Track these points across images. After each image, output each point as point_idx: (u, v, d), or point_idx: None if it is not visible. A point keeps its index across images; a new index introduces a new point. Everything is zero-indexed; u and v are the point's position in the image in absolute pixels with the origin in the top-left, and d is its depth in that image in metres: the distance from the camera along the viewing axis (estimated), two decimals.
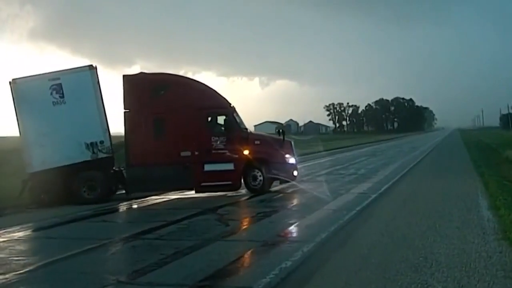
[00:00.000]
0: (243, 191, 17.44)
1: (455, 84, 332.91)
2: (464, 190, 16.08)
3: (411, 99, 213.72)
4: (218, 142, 16.95)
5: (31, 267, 8.31)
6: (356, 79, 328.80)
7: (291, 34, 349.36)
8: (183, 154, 16.81)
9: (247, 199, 16.63)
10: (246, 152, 17.09)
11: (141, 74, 18.13)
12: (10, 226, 12.53)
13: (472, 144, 52.55)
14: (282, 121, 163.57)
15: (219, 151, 16.91)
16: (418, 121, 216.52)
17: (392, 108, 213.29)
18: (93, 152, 16.60)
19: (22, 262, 8.71)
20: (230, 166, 16.90)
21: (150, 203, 16.60)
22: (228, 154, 16.91)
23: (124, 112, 16.97)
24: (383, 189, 17.29)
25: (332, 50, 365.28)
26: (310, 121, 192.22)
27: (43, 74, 17.19)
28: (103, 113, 16.79)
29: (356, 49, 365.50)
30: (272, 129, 62.93)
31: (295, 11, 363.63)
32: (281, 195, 17.33)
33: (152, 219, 13.17)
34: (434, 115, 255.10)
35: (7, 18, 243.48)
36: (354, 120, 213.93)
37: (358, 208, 13.27)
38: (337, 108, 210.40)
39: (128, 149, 17.01)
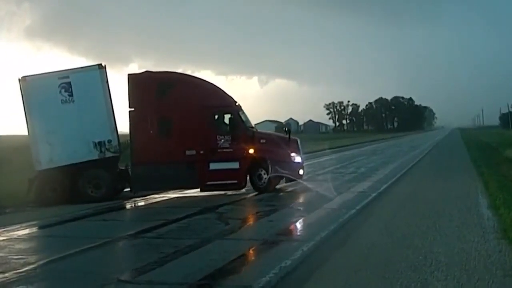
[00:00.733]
0: (243, 189, 17.43)
1: (455, 83, 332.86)
2: (463, 189, 16.09)
3: (411, 98, 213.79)
4: (224, 141, 16.91)
5: (31, 266, 8.30)
6: (355, 78, 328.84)
7: (291, 34, 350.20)
8: (188, 152, 16.80)
9: (247, 197, 16.63)
10: (251, 151, 17.05)
11: (146, 73, 17.96)
12: (11, 224, 12.53)
13: (472, 143, 52.54)
14: (282, 120, 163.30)
15: (225, 150, 16.87)
16: (418, 120, 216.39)
17: (393, 107, 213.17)
18: (101, 151, 16.60)
19: (22, 260, 8.69)
20: (235, 165, 16.86)
21: (150, 201, 16.61)
22: (233, 153, 16.86)
23: (129, 111, 16.96)
24: (383, 188, 17.30)
25: (332, 49, 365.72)
26: (310, 120, 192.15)
27: (52, 72, 17.23)
28: (111, 112, 16.79)
29: (356, 48, 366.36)
30: (272, 128, 63.13)
31: (295, 11, 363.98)
32: (281, 193, 17.34)
33: (152, 217, 13.17)
34: (434, 114, 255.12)
35: (4, 16, 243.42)
36: (354, 119, 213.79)
37: (358, 207, 13.27)
38: (337, 107, 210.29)
39: (133, 147, 17.02)
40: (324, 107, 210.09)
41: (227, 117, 17.48)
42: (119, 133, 17.02)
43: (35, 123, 16.61)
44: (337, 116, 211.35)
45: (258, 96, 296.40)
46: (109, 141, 16.68)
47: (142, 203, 16.43)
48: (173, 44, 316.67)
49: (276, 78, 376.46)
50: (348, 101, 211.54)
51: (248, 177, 17.26)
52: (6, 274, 7.79)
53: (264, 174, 17.12)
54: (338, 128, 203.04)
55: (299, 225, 11.90)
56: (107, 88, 16.85)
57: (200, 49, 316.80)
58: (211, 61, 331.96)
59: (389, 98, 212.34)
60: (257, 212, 14.11)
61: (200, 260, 8.40)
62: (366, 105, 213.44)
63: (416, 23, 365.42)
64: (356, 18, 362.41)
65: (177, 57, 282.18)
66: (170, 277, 7.50)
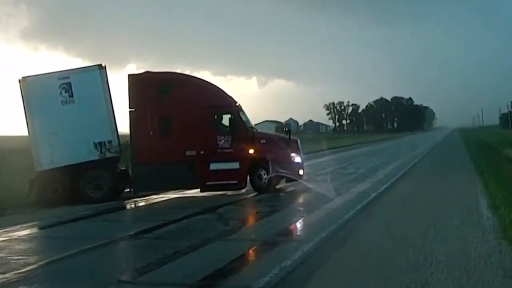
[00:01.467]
0: (243, 190, 17.43)
1: (455, 83, 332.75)
2: (463, 189, 16.09)
3: (410, 98, 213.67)
4: (224, 141, 16.91)
5: (31, 267, 8.31)
6: (355, 78, 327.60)
7: (290, 34, 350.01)
8: (188, 153, 16.80)
9: (247, 198, 16.63)
10: (251, 151, 17.06)
11: (146, 73, 17.92)
12: (11, 225, 12.52)
13: (472, 143, 52.48)
14: (282, 120, 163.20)
15: (225, 150, 16.87)
16: (418, 121, 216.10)
17: (393, 107, 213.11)
18: (101, 152, 16.61)
19: (22, 261, 8.69)
20: (235, 165, 16.86)
21: (149, 202, 16.61)
22: (233, 153, 16.86)
23: (129, 112, 16.96)
24: (383, 188, 17.30)
25: (332, 49, 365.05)
26: (310, 120, 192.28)
27: (52, 72, 17.23)
28: (112, 113, 16.80)
29: (356, 48, 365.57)
30: (271, 128, 62.99)
31: (295, 11, 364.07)
32: (281, 194, 17.35)
33: (152, 218, 13.18)
34: (434, 114, 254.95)
35: (1, 17, 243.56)
36: (354, 119, 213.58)
37: (358, 207, 13.28)
38: (337, 107, 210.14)
39: (133, 148, 17.04)
40: (324, 107, 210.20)
41: (227, 118, 17.48)
42: (119, 133, 17.04)
43: (36, 123, 16.61)
44: (337, 117, 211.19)
45: (257, 96, 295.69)
46: (110, 142, 16.69)
47: (142, 204, 16.43)
48: (171, 45, 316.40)
49: (275, 78, 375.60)
50: (348, 101, 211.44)
51: (248, 178, 17.26)
52: (7, 275, 7.79)
53: (264, 174, 17.12)
54: (338, 128, 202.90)
55: (299, 225, 11.91)
56: (107, 89, 16.86)
57: (198, 50, 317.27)
58: (209, 62, 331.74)
59: (389, 98, 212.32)
60: (257, 213, 14.11)
61: (200, 261, 8.40)
62: (366, 105, 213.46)
63: (416, 23, 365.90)
64: (356, 18, 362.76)
65: (175, 58, 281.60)
66: (170, 278, 7.51)
